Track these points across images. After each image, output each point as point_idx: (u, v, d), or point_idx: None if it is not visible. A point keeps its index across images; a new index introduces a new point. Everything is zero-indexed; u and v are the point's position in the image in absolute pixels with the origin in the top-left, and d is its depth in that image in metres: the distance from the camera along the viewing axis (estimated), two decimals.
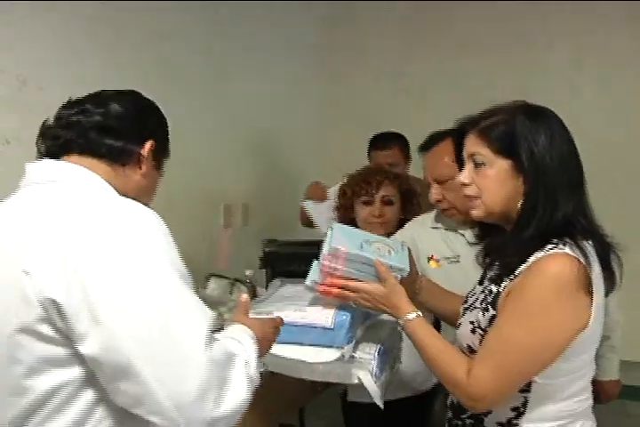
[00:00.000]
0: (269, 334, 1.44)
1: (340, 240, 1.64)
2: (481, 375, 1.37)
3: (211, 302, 2.71)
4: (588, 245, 1.41)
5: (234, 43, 3.63)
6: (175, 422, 1.06)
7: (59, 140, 1.33)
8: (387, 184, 2.45)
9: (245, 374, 1.13)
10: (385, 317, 1.77)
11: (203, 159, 3.32)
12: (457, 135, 1.55)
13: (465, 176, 1.49)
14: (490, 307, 1.45)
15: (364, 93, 4.42)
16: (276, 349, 1.64)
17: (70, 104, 1.38)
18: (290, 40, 4.14)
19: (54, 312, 1.09)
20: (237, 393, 1.10)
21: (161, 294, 1.09)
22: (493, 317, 1.43)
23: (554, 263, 1.35)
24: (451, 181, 1.97)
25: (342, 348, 1.70)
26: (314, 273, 1.69)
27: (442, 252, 2.27)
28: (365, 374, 1.71)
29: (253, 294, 2.64)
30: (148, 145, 1.37)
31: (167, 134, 1.48)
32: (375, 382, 1.72)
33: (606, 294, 1.48)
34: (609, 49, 3.76)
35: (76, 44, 2.61)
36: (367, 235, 1.76)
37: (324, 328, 1.68)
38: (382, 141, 3.52)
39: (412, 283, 1.76)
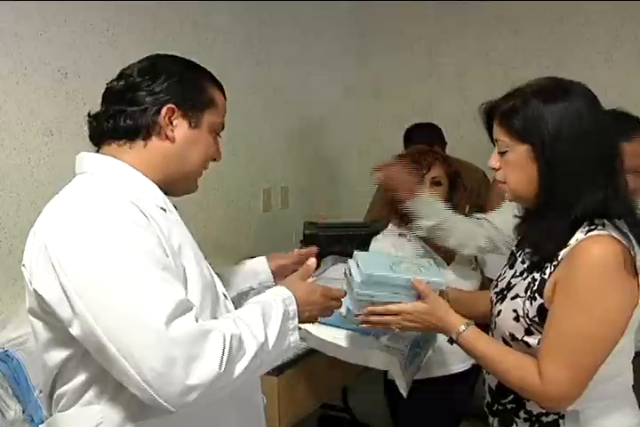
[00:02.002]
0: (317, 301, 1.44)
1: (369, 266, 1.58)
2: (556, 375, 1.34)
3: None
4: (624, 225, 1.38)
5: (272, 30, 3.64)
6: (148, 393, 1.12)
7: (93, 131, 1.40)
8: (436, 165, 2.45)
9: (222, 350, 1.15)
10: None
11: (241, 144, 3.36)
12: (486, 121, 1.53)
13: (494, 161, 1.48)
14: (537, 295, 1.41)
15: (398, 75, 4.39)
16: (317, 329, 1.68)
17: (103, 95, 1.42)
18: (326, 24, 4.13)
19: (42, 301, 1.22)
20: (208, 367, 1.13)
21: (125, 283, 1.15)
22: (541, 305, 1.39)
23: (597, 247, 1.32)
24: None
25: (378, 337, 1.72)
26: (347, 304, 1.60)
27: None
28: (395, 364, 1.74)
29: None
30: (164, 111, 1.34)
31: (194, 86, 1.39)
32: (403, 374, 1.76)
33: None
34: None
35: (115, 36, 2.66)
36: (391, 257, 1.71)
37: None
38: (418, 141, 3.42)
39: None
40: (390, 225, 2.54)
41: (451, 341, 1.53)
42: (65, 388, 1.29)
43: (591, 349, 1.34)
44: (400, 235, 2.47)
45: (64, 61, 2.47)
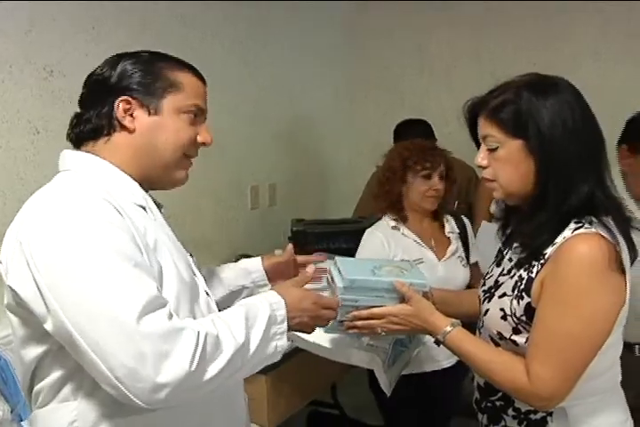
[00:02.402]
0: (308, 308, 1.42)
1: (350, 271, 1.57)
2: (544, 375, 1.33)
3: None
4: (610, 221, 1.37)
5: (261, 28, 3.63)
6: (120, 390, 1.12)
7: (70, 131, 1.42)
8: (442, 160, 2.49)
9: (194, 348, 1.15)
10: None
11: (228, 142, 3.34)
12: (469, 118, 1.51)
13: (481, 158, 1.46)
14: (524, 294, 1.40)
15: (389, 70, 4.40)
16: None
17: None
18: (315, 23, 4.12)
19: (17, 297, 1.22)
20: (178, 365, 1.12)
21: (95, 279, 1.14)
22: (529, 304, 1.39)
23: (584, 245, 1.31)
24: None
25: (360, 335, 1.71)
26: None
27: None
28: (377, 362, 1.75)
29: None
30: (116, 104, 1.34)
31: (147, 75, 1.37)
32: (385, 372, 1.76)
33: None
34: (633, 17, 3.69)
35: (101, 34, 2.64)
36: (372, 261, 1.70)
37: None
38: (406, 139, 3.48)
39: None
40: (384, 218, 2.56)
41: (437, 342, 1.53)
42: (42, 384, 1.29)
43: (579, 348, 1.34)
44: (393, 228, 2.48)
45: (49, 60, 2.45)
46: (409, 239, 2.47)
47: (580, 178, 1.36)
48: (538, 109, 1.35)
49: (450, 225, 2.60)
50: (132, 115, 1.35)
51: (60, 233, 1.17)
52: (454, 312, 1.65)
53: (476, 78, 4.00)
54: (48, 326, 1.18)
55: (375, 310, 1.55)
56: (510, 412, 1.50)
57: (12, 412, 1.86)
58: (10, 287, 1.22)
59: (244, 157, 3.59)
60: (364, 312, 1.56)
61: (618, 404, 1.50)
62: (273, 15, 3.69)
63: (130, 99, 1.35)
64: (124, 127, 1.35)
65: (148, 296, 1.16)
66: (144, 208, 1.35)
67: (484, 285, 1.61)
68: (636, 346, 2.31)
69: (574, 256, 1.32)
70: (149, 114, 1.36)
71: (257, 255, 1.83)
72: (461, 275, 2.50)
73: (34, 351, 1.28)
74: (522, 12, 3.92)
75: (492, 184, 1.47)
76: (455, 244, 2.55)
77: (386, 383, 1.80)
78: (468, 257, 2.57)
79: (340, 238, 3.06)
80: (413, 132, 3.47)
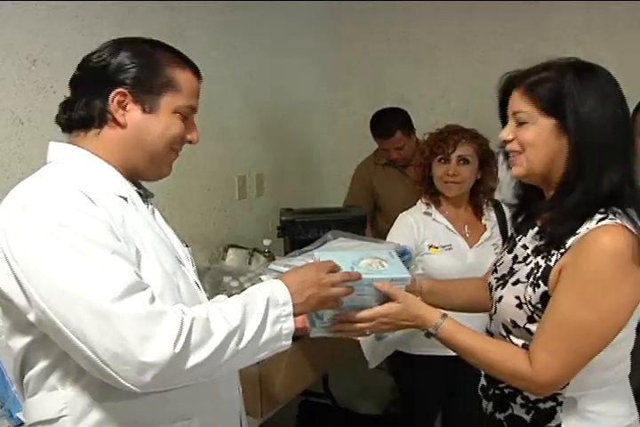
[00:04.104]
0: (311, 278, 1.37)
1: None
2: (548, 362, 1.33)
3: (230, 273, 2.76)
4: (634, 213, 1.35)
5: (246, 16, 3.60)
6: (108, 374, 1.13)
7: (58, 119, 1.41)
8: (463, 144, 2.45)
9: (178, 330, 1.15)
10: None
11: (214, 131, 3.32)
12: (502, 91, 1.49)
13: (507, 133, 1.44)
14: (541, 282, 1.38)
15: (372, 58, 4.37)
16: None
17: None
18: (300, 10, 4.08)
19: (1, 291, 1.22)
20: (161, 346, 1.13)
21: (70, 267, 1.15)
22: (545, 293, 1.37)
23: (608, 237, 1.29)
24: None
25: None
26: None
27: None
28: (365, 337, 1.74)
29: None
30: (112, 96, 1.32)
31: (148, 71, 1.35)
32: (371, 345, 1.76)
33: None
34: (617, 3, 3.68)
35: (85, 22, 2.60)
36: (353, 254, 1.59)
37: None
38: (383, 130, 3.47)
39: (412, 290, 1.63)
40: (418, 203, 2.57)
41: (428, 335, 1.49)
42: (30, 373, 1.30)
43: (591, 340, 1.33)
44: (425, 213, 2.50)
45: (32, 49, 2.41)
46: (440, 225, 2.48)
47: (612, 165, 1.34)
48: (580, 91, 1.34)
49: (488, 212, 2.58)
50: (124, 107, 1.34)
51: (35, 224, 1.18)
52: (444, 304, 1.65)
53: (460, 65, 4.00)
54: (31, 317, 1.19)
55: (364, 314, 1.48)
56: (519, 400, 1.49)
57: (1, 407, 1.85)
58: None
59: (231, 146, 3.57)
60: (355, 317, 1.49)
61: (625, 396, 1.50)
62: (257, 3, 3.65)
63: (126, 91, 1.33)
64: (115, 121, 1.34)
65: (128, 280, 1.16)
66: (125, 199, 1.35)
67: (495, 271, 1.60)
68: None
69: (598, 247, 1.30)
70: (143, 111, 1.35)
71: (245, 246, 1.81)
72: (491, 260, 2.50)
73: (20, 341, 1.28)
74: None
75: (518, 158, 1.44)
76: (490, 231, 2.53)
77: (371, 357, 1.80)
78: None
79: (330, 227, 3.04)
80: (385, 123, 3.46)
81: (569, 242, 1.35)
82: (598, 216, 1.33)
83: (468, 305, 1.76)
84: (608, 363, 1.39)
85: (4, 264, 1.19)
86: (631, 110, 2.38)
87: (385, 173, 3.63)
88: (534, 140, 1.39)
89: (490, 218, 2.57)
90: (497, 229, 2.55)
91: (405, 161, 3.50)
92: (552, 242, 1.39)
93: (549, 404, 1.44)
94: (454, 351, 1.49)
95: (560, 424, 1.42)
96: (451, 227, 2.48)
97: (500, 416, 1.54)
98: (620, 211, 1.33)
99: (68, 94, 1.39)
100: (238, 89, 3.59)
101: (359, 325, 1.50)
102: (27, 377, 1.31)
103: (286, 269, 1.59)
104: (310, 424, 3.28)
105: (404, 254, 1.72)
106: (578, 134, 1.34)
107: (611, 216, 1.32)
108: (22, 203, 1.21)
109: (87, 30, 2.60)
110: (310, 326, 1.56)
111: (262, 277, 1.73)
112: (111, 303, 1.12)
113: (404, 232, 2.47)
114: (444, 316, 1.48)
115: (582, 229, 1.33)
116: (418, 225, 2.47)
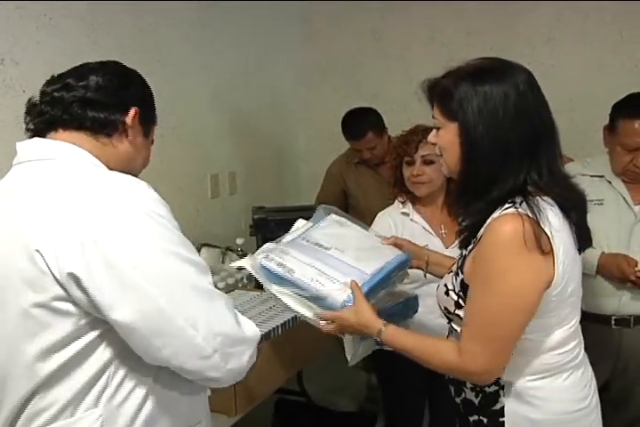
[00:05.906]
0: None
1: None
2: (471, 350, 1.41)
3: None
4: (545, 201, 1.40)
5: (216, 14, 3.58)
6: (206, 353, 1.21)
7: (44, 116, 1.35)
8: (426, 143, 2.39)
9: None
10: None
11: (187, 130, 3.31)
12: (429, 98, 1.55)
13: (432, 136, 1.54)
14: (459, 271, 1.49)
15: (345, 56, 4.38)
16: (284, 297, 1.76)
17: (53, 80, 1.39)
18: (271, 8, 4.07)
19: (73, 287, 1.16)
20: (251, 326, 1.35)
21: (172, 254, 1.22)
22: (462, 280, 1.47)
23: (505, 225, 1.35)
24: None
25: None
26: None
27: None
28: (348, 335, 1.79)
29: None
30: (132, 113, 1.38)
31: (152, 101, 1.50)
32: (354, 345, 1.80)
33: (581, 250, 1.50)
34: (588, 4, 3.72)
35: (52, 21, 2.56)
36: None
37: (331, 303, 1.70)
38: (354, 131, 3.45)
39: (419, 260, 1.92)
40: (395, 202, 2.57)
41: (376, 342, 1.64)
42: (49, 399, 1.21)
43: (501, 324, 1.39)
44: (403, 213, 2.51)
45: (0, 48, 2.38)
46: (418, 225, 2.48)
47: (510, 165, 1.40)
48: (472, 96, 1.39)
49: None
50: (135, 125, 1.41)
51: (131, 222, 1.21)
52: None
53: (431, 63, 4.01)
54: (119, 314, 1.16)
55: (327, 314, 1.69)
56: (468, 384, 1.58)
57: None
58: (57, 280, 1.16)
59: (203, 145, 3.56)
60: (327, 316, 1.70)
61: (574, 383, 1.53)
62: (230, 3, 3.64)
63: (139, 112, 1.41)
64: (123, 134, 1.39)
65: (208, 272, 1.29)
66: None
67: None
68: (612, 318, 2.36)
69: (492, 235, 1.37)
70: (143, 135, 1.45)
71: (219, 245, 1.83)
72: None
73: (50, 364, 1.20)
74: None
75: (441, 160, 1.54)
76: None
77: (351, 354, 1.83)
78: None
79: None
80: (353, 124, 3.45)
81: (480, 231, 1.42)
82: (506, 206, 1.39)
83: None
84: (541, 349, 1.46)
85: (95, 258, 1.15)
86: (609, 108, 2.46)
87: (358, 172, 3.64)
88: (444, 144, 1.50)
89: None
90: None
91: (378, 160, 3.49)
92: (467, 235, 1.50)
93: (493, 388, 1.51)
94: (401, 353, 1.58)
95: (503, 407, 1.50)
96: (427, 227, 2.48)
97: (457, 400, 1.63)
98: (523, 200, 1.38)
99: (37, 93, 1.38)
100: (211, 88, 3.58)
101: (328, 326, 1.70)
102: (41, 405, 1.22)
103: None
104: (286, 422, 3.28)
105: (405, 263, 1.86)
106: (467, 139, 1.41)
107: (516, 205, 1.38)
108: (109, 207, 1.20)
109: (55, 29, 2.58)
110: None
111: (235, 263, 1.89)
112: (215, 293, 1.26)
113: (383, 232, 2.47)
114: (386, 324, 1.59)
115: (490, 220, 1.40)
116: (397, 227, 2.47)
